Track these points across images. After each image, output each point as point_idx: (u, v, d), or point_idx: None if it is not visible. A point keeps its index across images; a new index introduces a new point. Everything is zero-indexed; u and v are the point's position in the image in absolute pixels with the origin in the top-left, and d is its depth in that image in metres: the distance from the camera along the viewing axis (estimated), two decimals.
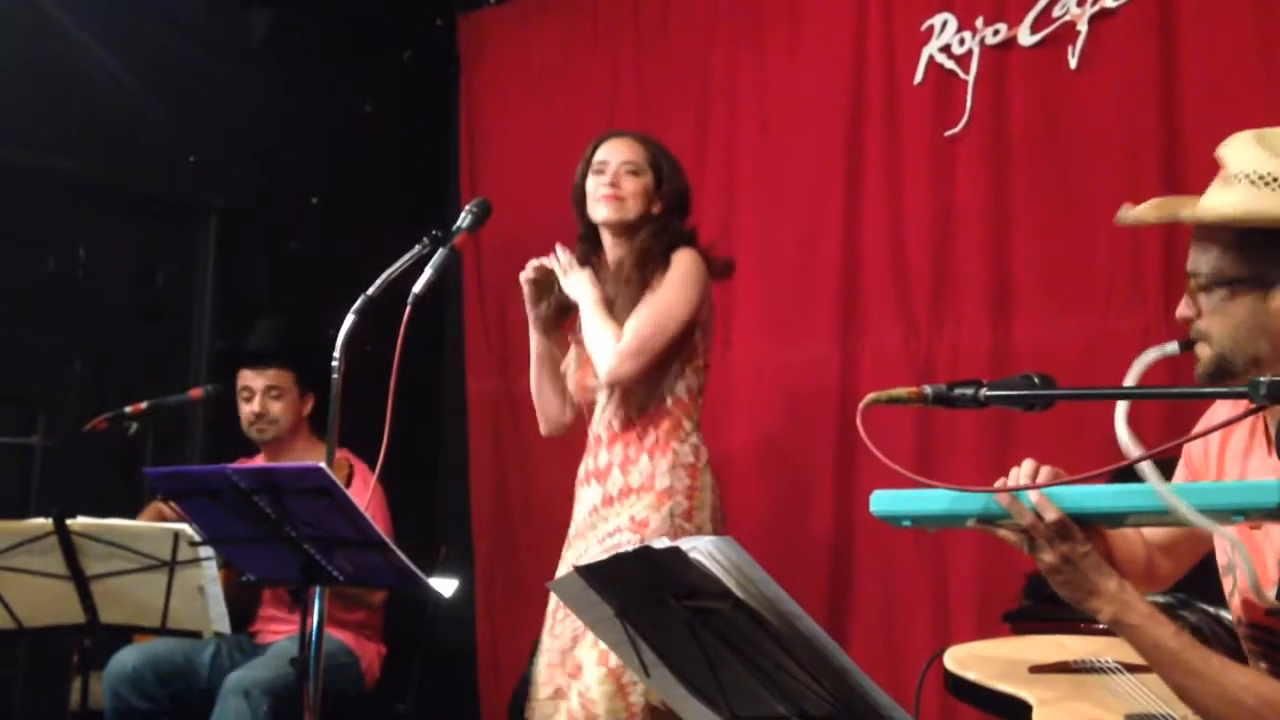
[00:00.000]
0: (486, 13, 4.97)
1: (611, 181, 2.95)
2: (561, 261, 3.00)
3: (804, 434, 3.83)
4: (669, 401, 2.90)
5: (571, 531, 3.01)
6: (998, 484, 1.63)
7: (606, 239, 3.01)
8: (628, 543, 2.74)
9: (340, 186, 4.64)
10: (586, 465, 2.98)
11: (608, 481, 2.90)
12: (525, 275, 3.06)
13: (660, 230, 2.95)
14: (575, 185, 3.06)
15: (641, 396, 2.89)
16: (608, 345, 2.84)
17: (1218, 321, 1.64)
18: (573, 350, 3.07)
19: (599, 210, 2.96)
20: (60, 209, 4.06)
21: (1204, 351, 1.66)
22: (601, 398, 2.96)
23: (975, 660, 2.16)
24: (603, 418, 2.96)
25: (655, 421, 2.89)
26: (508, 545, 4.64)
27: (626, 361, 2.82)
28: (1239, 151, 1.63)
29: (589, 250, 3.05)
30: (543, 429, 3.15)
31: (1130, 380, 1.67)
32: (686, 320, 2.86)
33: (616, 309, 2.89)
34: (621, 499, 2.87)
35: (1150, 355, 1.67)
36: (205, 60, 4.34)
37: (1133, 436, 1.57)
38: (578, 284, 2.95)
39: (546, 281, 3.05)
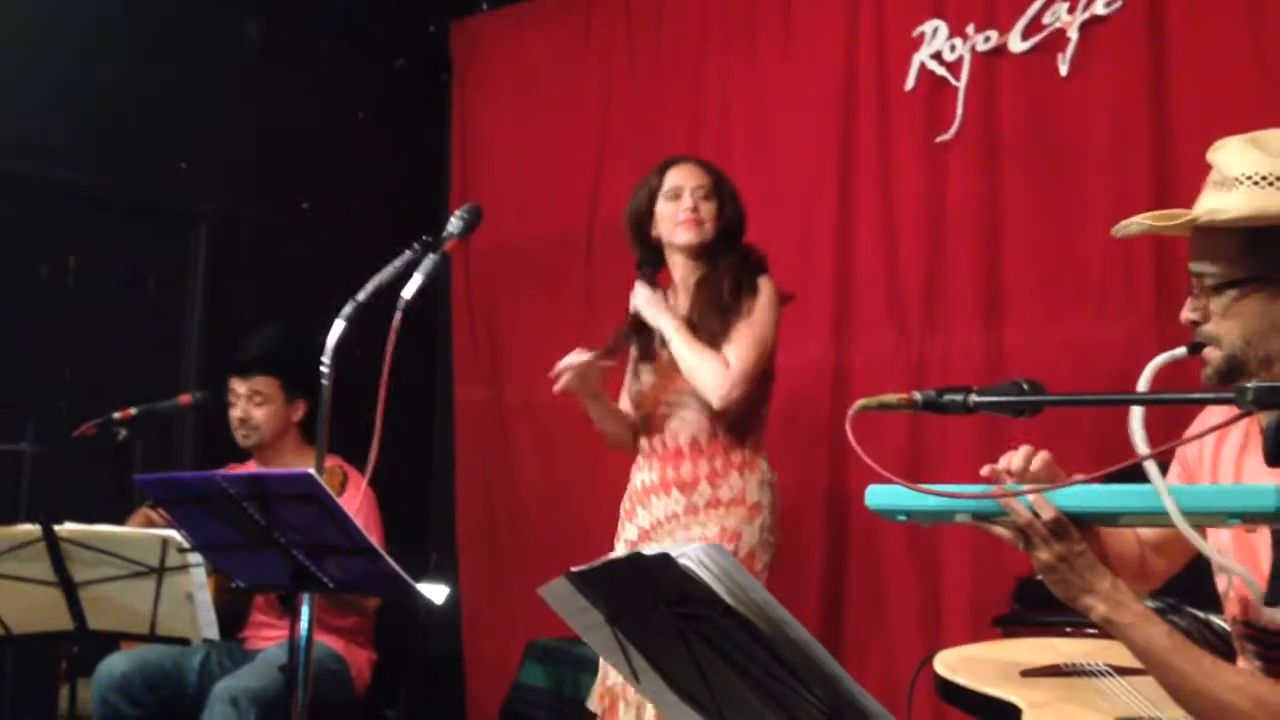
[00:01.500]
0: (480, 19, 4.97)
1: (693, 206, 3.06)
2: (639, 293, 3.08)
3: (797, 439, 3.83)
4: (753, 420, 3.04)
5: (631, 535, 3.08)
6: (984, 470, 1.64)
7: (678, 260, 3.11)
8: None
9: (332, 192, 4.63)
10: (665, 474, 3.04)
11: (694, 493, 3.00)
12: (563, 386, 3.05)
13: (745, 258, 3.07)
14: (637, 208, 3.15)
15: (734, 415, 3.00)
16: (718, 371, 2.94)
17: (1229, 323, 1.65)
18: (639, 367, 3.14)
19: (680, 235, 3.07)
20: (52, 216, 4.05)
21: (1213, 354, 1.67)
22: (687, 415, 3.04)
23: (966, 664, 2.16)
24: (683, 429, 3.04)
25: (741, 438, 3.02)
26: (493, 551, 4.64)
27: (739, 386, 2.94)
28: (1235, 155, 1.65)
29: (651, 273, 3.15)
30: (610, 446, 3.23)
31: (1142, 385, 1.68)
32: (774, 345, 3.03)
33: (707, 330, 3.00)
34: (709, 510, 2.98)
35: (1160, 360, 1.69)
36: (198, 67, 4.34)
37: (1145, 436, 1.58)
38: (658, 312, 3.04)
39: (587, 374, 3.06)
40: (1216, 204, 1.64)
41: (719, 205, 3.09)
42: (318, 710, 2.37)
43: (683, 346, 2.98)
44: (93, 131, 4.06)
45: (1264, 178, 1.60)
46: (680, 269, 3.12)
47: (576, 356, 3.02)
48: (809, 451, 3.79)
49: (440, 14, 5.01)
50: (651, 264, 3.14)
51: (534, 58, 4.75)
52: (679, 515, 3.01)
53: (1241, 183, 1.62)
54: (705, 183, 3.09)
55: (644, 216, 3.13)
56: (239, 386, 3.68)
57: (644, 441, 3.12)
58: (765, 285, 3.03)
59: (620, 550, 3.06)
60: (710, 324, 3.00)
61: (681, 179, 3.10)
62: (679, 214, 3.06)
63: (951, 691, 2.12)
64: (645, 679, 1.73)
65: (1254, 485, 1.50)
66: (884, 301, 3.75)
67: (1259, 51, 3.18)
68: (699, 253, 3.08)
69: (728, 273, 3.03)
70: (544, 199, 4.64)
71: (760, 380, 3.02)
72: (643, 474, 3.10)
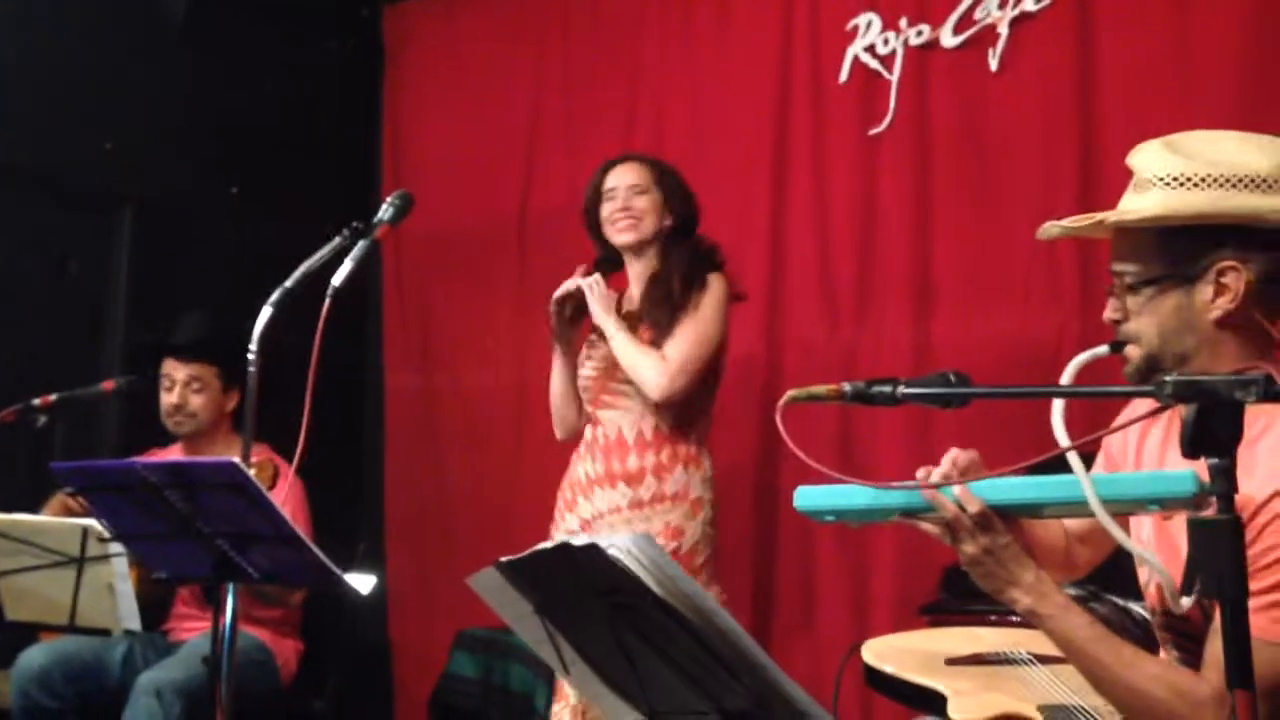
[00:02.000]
0: (413, 3, 4.92)
1: (623, 206, 3.08)
2: (590, 284, 3.07)
3: (728, 429, 3.83)
4: (697, 415, 3.07)
5: (572, 524, 3.08)
6: (920, 474, 1.66)
7: (628, 258, 3.15)
8: (666, 548, 2.89)
9: (261, 176, 4.55)
10: (610, 466, 3.05)
11: (640, 487, 3.01)
12: (559, 296, 3.12)
13: (694, 254, 3.08)
14: (586, 210, 3.18)
15: (679, 409, 3.02)
16: (656, 365, 2.96)
17: (1146, 321, 1.69)
18: (586, 357, 3.16)
19: (616, 235, 3.11)
20: None
21: (1133, 352, 1.71)
22: (631, 405, 3.05)
23: (892, 653, 2.19)
24: (627, 422, 3.05)
25: (685, 434, 3.04)
26: (422, 541, 4.61)
27: (678, 379, 2.96)
28: (1149, 158, 1.70)
29: (608, 270, 3.17)
30: (560, 434, 3.25)
31: (1065, 382, 1.71)
32: (720, 342, 3.05)
33: (653, 324, 3.02)
34: (654, 504, 3.00)
35: (1082, 358, 1.72)
36: (124, 46, 4.24)
37: (1064, 429, 1.61)
38: (602, 311, 3.04)
39: (574, 302, 3.13)
40: (1129, 205, 1.68)
41: (663, 198, 3.10)
42: (243, 701, 2.34)
43: (623, 344, 2.99)
44: (13, 111, 3.96)
45: (1174, 178, 1.65)
46: (632, 266, 3.15)
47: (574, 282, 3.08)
48: (740, 442, 3.80)
49: None
50: (612, 264, 3.17)
51: (468, 44, 4.71)
52: (622, 509, 3.01)
53: (1154, 184, 1.66)
54: (641, 180, 3.10)
55: (595, 221, 3.16)
56: (176, 371, 3.60)
57: (588, 431, 3.13)
58: (715, 281, 3.04)
59: (557, 539, 3.05)
60: (657, 318, 3.02)
61: (616, 179, 3.12)
62: (613, 214, 3.09)
63: (878, 680, 2.14)
64: (574, 669, 1.73)
65: (1172, 471, 1.53)
66: (816, 293, 3.78)
67: (1183, 49, 3.24)
68: (642, 249, 3.11)
69: (677, 268, 3.05)
70: (476, 186, 4.61)
71: (704, 375, 3.03)
72: (585, 465, 3.10)
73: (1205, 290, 1.64)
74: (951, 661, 2.12)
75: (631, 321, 3.07)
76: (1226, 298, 1.63)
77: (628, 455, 3.03)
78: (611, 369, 3.07)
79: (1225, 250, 1.63)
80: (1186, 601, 1.50)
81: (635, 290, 3.13)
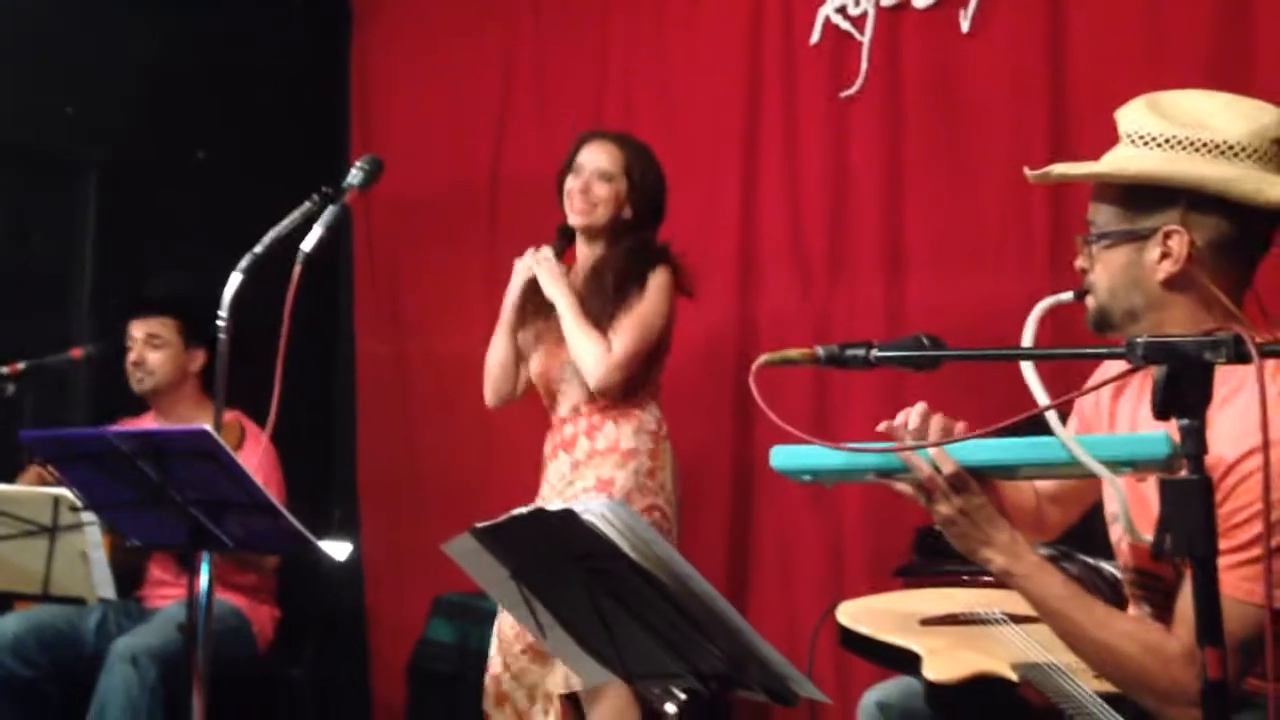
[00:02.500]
0: None
1: (583, 188, 3.06)
2: (543, 258, 3.10)
3: (702, 394, 3.84)
4: (636, 388, 3.08)
5: (543, 496, 3.11)
6: (881, 427, 1.67)
7: (579, 239, 3.16)
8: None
9: (228, 140, 4.50)
10: (553, 440, 3.11)
11: (575, 449, 3.04)
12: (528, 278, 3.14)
13: (639, 247, 3.08)
14: (560, 180, 3.15)
15: (615, 393, 3.04)
16: (597, 355, 2.98)
17: (1100, 272, 1.72)
18: (533, 335, 3.17)
19: (570, 215, 3.10)
20: None
21: (1090, 302, 1.75)
22: (573, 382, 3.07)
23: (867, 614, 2.21)
24: (566, 402, 3.09)
25: (618, 399, 3.05)
26: (396, 507, 4.60)
27: (615, 374, 2.98)
28: (1129, 115, 1.72)
29: (564, 245, 3.18)
30: (492, 401, 3.25)
31: (1028, 327, 1.76)
32: (661, 335, 3.07)
33: (590, 312, 3.02)
34: (588, 461, 3.02)
35: (1045, 303, 1.76)
36: (85, 5, 4.17)
37: (1042, 387, 1.62)
38: (556, 286, 3.05)
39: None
40: (1105, 160, 1.70)
41: (626, 189, 3.08)
42: (219, 668, 2.34)
43: (571, 322, 3.00)
44: None
45: (1139, 136, 1.67)
46: (581, 248, 3.15)
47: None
48: (714, 405, 3.81)
49: None
50: (568, 237, 3.17)
51: (437, 6, 4.66)
52: (566, 475, 3.05)
53: (1124, 141, 1.70)
54: (610, 165, 3.08)
55: (561, 187, 3.14)
56: (136, 330, 3.61)
57: (550, 413, 3.17)
58: (656, 277, 3.04)
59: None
60: (591, 310, 3.03)
61: (586, 157, 3.10)
62: (571, 192, 3.08)
63: (853, 641, 2.16)
64: (551, 633, 1.74)
65: (1145, 434, 1.54)
66: (788, 256, 3.77)
67: (1153, 10, 3.24)
68: (593, 235, 3.10)
69: (614, 264, 3.05)
70: (446, 151, 4.57)
71: (644, 363, 3.05)
72: (545, 446, 3.16)
73: (1153, 250, 1.67)
74: (926, 622, 2.14)
75: None
76: (1169, 261, 1.65)
77: (565, 425, 3.10)
78: (555, 358, 3.11)
79: (1174, 213, 1.64)
80: (1148, 536, 1.53)
81: (579, 272, 3.14)
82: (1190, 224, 1.63)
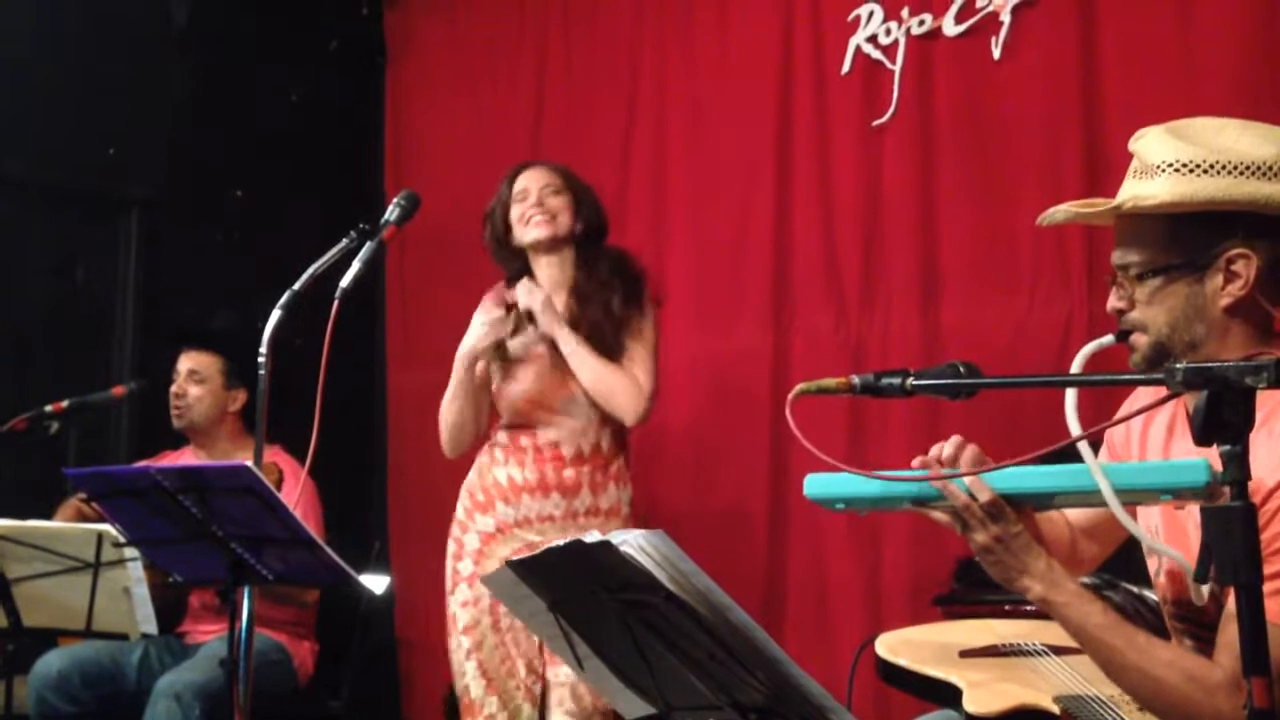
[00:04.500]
0: (414, 2, 4.92)
1: (537, 202, 3.04)
2: (534, 296, 3.00)
3: (737, 422, 3.84)
4: (626, 433, 3.09)
5: (486, 527, 3.03)
6: (916, 462, 1.66)
7: (541, 261, 3.08)
8: None
9: (266, 179, 4.56)
10: (544, 475, 3.00)
11: (576, 499, 3.00)
12: (524, 304, 3.03)
13: (620, 265, 3.07)
14: (495, 223, 3.12)
15: (615, 427, 3.04)
16: (633, 391, 2.97)
17: (1154, 310, 1.68)
18: (509, 374, 3.07)
19: (530, 233, 3.04)
20: None
21: (1140, 340, 1.70)
22: (574, 424, 3.01)
23: (906, 646, 2.19)
24: (566, 437, 3.02)
25: (616, 452, 3.06)
26: (427, 538, 4.60)
27: (649, 404, 3.00)
28: (1156, 143, 1.68)
29: (515, 279, 3.11)
30: (452, 453, 3.15)
31: (1074, 372, 1.71)
32: None
33: (597, 342, 2.98)
34: (589, 516, 2.99)
35: (1089, 349, 1.72)
36: (126, 50, 4.25)
37: (1078, 418, 1.61)
38: (556, 322, 2.98)
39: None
40: (1140, 191, 1.67)
41: (573, 201, 3.07)
42: (261, 703, 2.36)
43: (591, 363, 2.96)
44: (18, 116, 3.97)
45: (1184, 165, 1.63)
46: (544, 269, 3.08)
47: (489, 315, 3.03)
48: (750, 435, 3.80)
49: None
50: (518, 273, 3.11)
51: (468, 40, 4.71)
52: (556, 518, 2.99)
53: (1164, 170, 1.64)
54: (553, 181, 3.08)
55: (502, 229, 3.11)
56: (181, 363, 3.64)
57: (502, 436, 3.07)
58: (647, 302, 3.06)
59: (469, 540, 3.05)
60: (604, 338, 2.99)
61: (527, 181, 3.09)
62: (526, 212, 3.04)
63: (893, 673, 2.14)
64: (589, 665, 1.74)
65: (1184, 460, 1.53)
66: (822, 283, 3.77)
67: (1186, 34, 3.23)
68: (556, 248, 3.06)
69: (613, 284, 3.03)
70: (478, 185, 4.59)
71: None
72: (508, 470, 3.02)
73: (1216, 278, 1.64)
74: (966, 654, 2.12)
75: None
76: (1237, 285, 1.63)
77: (564, 468, 3.00)
78: (554, 384, 3.01)
79: (1235, 237, 1.62)
80: (1205, 590, 1.50)
81: (555, 299, 3.03)
82: (1253, 247, 1.62)
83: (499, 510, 3.03)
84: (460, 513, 3.11)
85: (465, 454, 3.16)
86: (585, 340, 2.97)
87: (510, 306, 3.04)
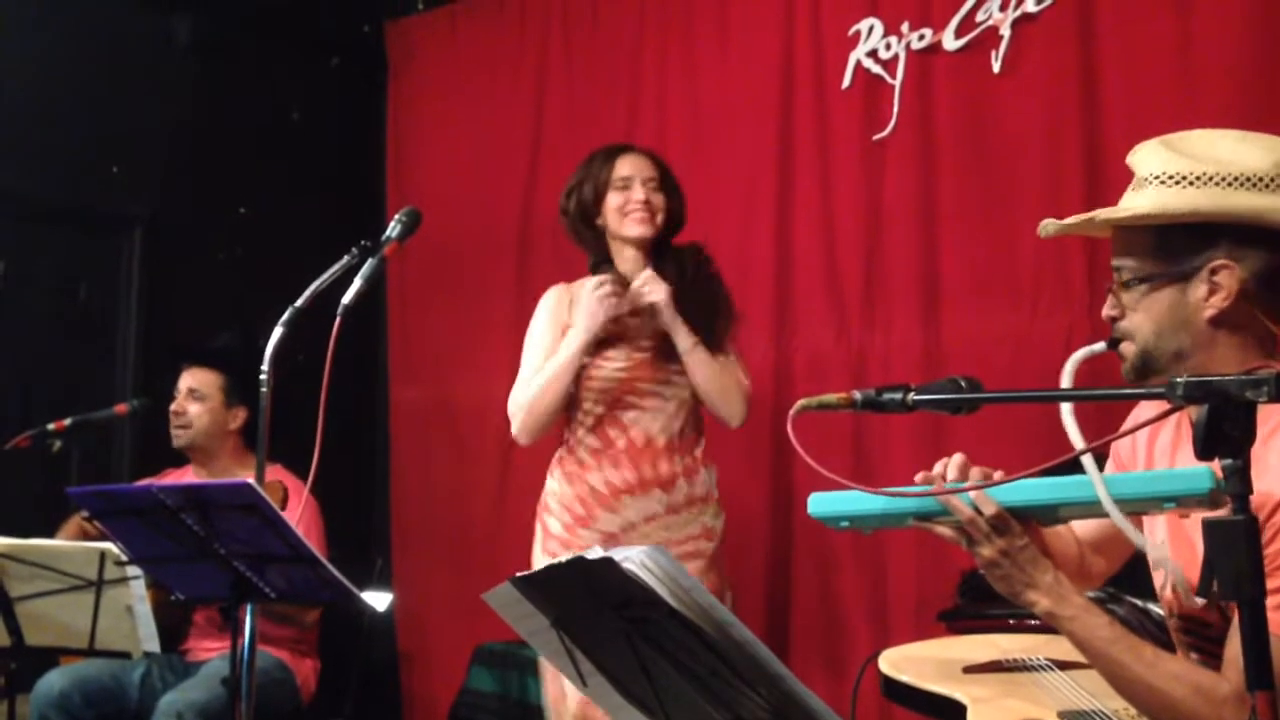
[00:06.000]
0: (414, 19, 4.94)
1: (645, 199, 3.00)
2: (659, 290, 2.95)
3: (740, 438, 3.83)
4: (703, 418, 3.09)
5: (590, 539, 2.90)
6: (919, 478, 1.66)
7: (628, 254, 3.02)
8: (706, 550, 2.98)
9: (268, 195, 4.58)
10: (641, 474, 2.95)
11: (674, 491, 2.98)
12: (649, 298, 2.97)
13: (714, 272, 3.10)
14: (585, 197, 3.03)
15: (695, 412, 3.05)
16: (742, 391, 3.02)
17: (1140, 318, 1.69)
18: (603, 357, 2.99)
19: (632, 228, 2.99)
20: None
21: (1128, 349, 1.71)
22: (663, 405, 2.98)
23: (910, 662, 2.18)
24: (659, 425, 2.98)
25: (698, 436, 3.06)
26: (433, 555, 4.61)
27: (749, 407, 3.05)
28: (1147, 156, 1.70)
29: (607, 265, 3.06)
30: (528, 440, 3.05)
31: (1065, 381, 1.71)
32: None
33: (703, 328, 2.98)
34: (689, 507, 2.99)
35: (1079, 355, 1.72)
36: (128, 68, 4.27)
37: (1079, 430, 1.61)
38: (678, 321, 2.95)
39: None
40: (1129, 203, 1.69)
41: (666, 198, 3.04)
42: None
43: (709, 362, 2.97)
44: (20, 135, 3.99)
45: (1170, 176, 1.65)
46: (629, 263, 3.02)
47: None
48: (752, 451, 3.79)
49: (375, 14, 4.97)
50: (602, 258, 3.05)
51: (469, 57, 4.73)
52: (660, 515, 2.95)
53: (1150, 182, 1.66)
54: (655, 175, 3.04)
55: (592, 207, 3.02)
56: (181, 381, 3.64)
57: (590, 438, 2.98)
58: (733, 303, 3.10)
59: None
60: (708, 335, 2.99)
61: (632, 169, 3.01)
62: (629, 205, 2.98)
63: (896, 690, 2.13)
64: (592, 682, 1.73)
65: (1187, 469, 1.52)
66: (823, 298, 3.78)
67: (1185, 48, 3.24)
68: (645, 246, 3.01)
69: (710, 286, 3.06)
70: (479, 199, 4.63)
71: None
72: (603, 474, 2.95)
73: (1199, 288, 1.64)
74: (970, 669, 2.11)
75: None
76: (1219, 296, 1.63)
77: (659, 459, 2.95)
78: (644, 368, 2.97)
79: (1220, 249, 1.63)
80: (1199, 600, 1.50)
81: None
82: (1236, 258, 1.62)
83: (603, 520, 2.94)
84: (558, 528, 2.98)
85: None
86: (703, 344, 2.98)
87: (624, 285, 2.98)
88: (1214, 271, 1.63)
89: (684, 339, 2.95)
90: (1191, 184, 1.63)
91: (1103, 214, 1.69)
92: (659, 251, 3.04)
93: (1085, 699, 1.90)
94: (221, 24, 4.48)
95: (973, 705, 1.92)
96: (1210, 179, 1.63)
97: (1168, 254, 1.66)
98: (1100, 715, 1.82)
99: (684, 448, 3.01)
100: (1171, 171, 1.65)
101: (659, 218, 3.00)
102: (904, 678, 2.10)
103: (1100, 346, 1.74)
